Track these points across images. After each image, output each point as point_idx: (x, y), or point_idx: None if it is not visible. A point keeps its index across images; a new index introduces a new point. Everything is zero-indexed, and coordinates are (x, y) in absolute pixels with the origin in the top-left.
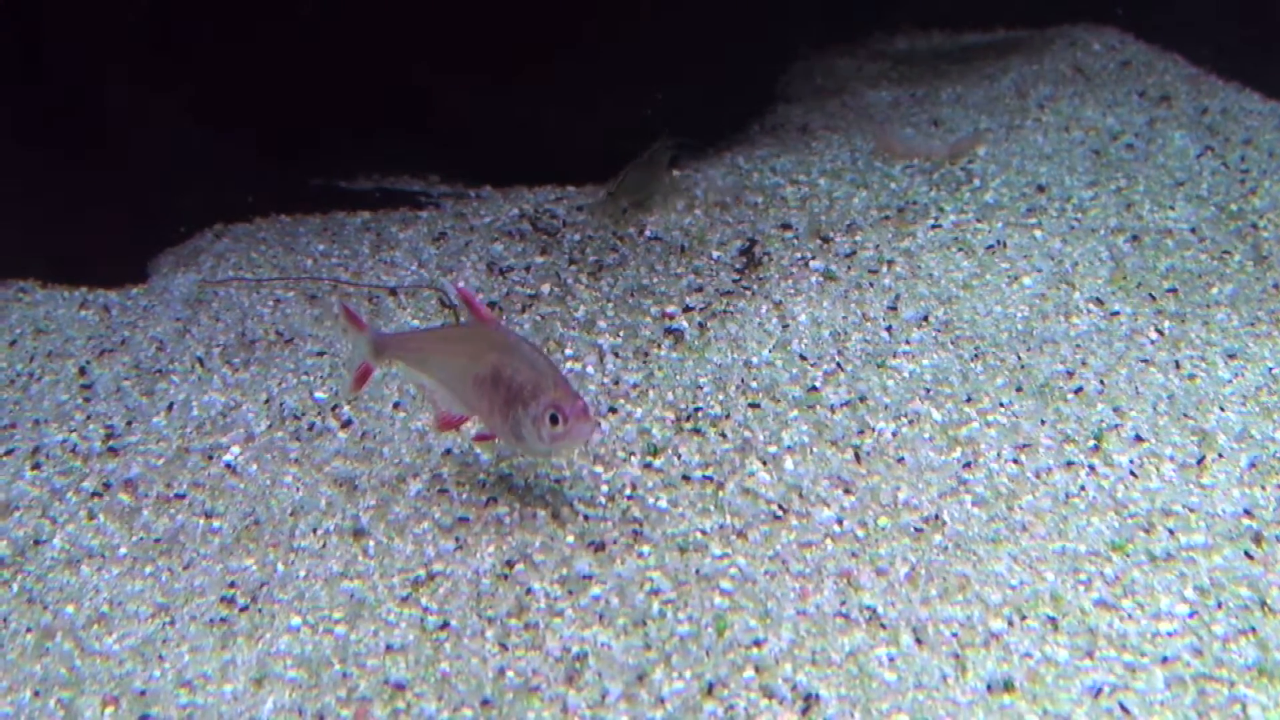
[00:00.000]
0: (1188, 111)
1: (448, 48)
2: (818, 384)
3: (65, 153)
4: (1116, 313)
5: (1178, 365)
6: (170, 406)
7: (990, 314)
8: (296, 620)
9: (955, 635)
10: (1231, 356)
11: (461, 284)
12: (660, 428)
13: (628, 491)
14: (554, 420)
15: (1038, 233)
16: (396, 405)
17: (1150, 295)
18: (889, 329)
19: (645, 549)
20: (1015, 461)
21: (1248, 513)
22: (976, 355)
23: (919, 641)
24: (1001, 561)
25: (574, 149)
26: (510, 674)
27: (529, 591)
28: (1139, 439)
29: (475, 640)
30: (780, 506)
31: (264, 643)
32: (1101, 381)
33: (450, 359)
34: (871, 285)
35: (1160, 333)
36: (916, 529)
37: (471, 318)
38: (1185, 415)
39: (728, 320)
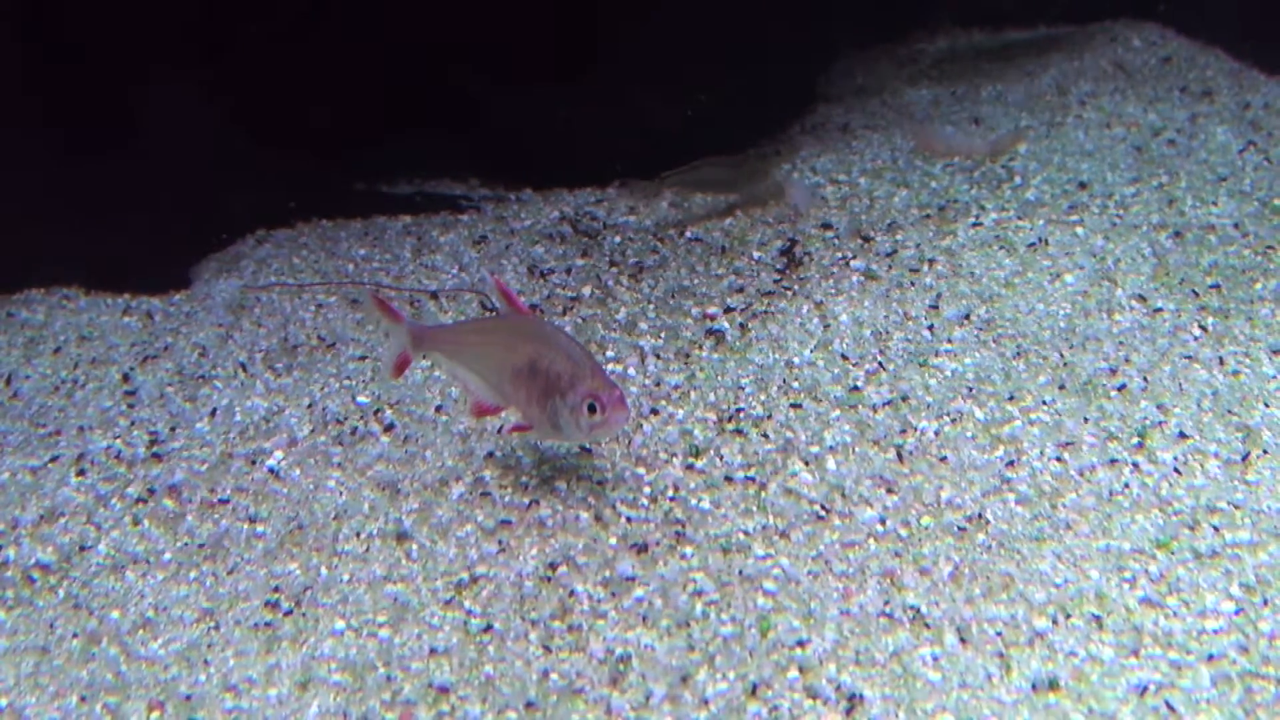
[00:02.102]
0: (1230, 107)
1: (488, 51)
2: (860, 383)
3: (107, 159)
4: (1159, 309)
5: (1221, 361)
6: (213, 412)
7: (1032, 312)
8: (340, 624)
9: (999, 634)
10: (1276, 352)
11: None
12: (702, 429)
13: (670, 493)
14: (592, 409)
15: (1080, 230)
16: (439, 409)
17: (1193, 291)
18: (930, 328)
19: (688, 550)
20: (1058, 460)
21: None
22: (1019, 353)
23: (963, 641)
24: (1045, 560)
25: (614, 151)
26: (554, 676)
27: (572, 593)
28: (1183, 436)
29: (519, 643)
30: (823, 507)
31: (308, 647)
32: (1145, 378)
33: (486, 350)
34: (913, 284)
35: (1204, 329)
36: (960, 528)
37: (507, 309)
38: (1229, 412)
39: (769, 321)
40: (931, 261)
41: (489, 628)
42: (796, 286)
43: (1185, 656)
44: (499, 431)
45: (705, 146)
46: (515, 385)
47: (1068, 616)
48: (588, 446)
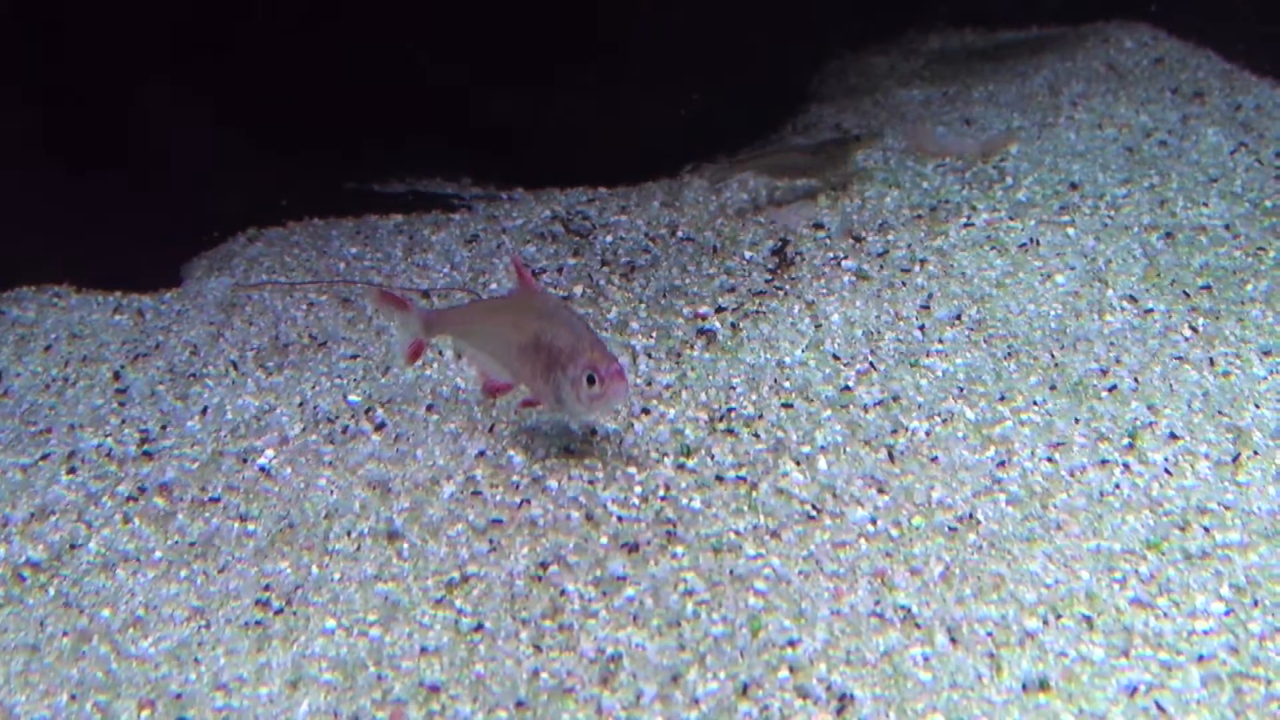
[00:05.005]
0: (1221, 108)
1: (481, 50)
2: (851, 384)
3: (98, 159)
4: (1150, 310)
5: (1212, 362)
6: (204, 410)
7: (1023, 312)
8: (331, 623)
9: (990, 634)
10: (1266, 353)
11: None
12: (693, 428)
13: (661, 492)
14: (591, 381)
15: (1071, 230)
16: (430, 408)
17: (1184, 292)
18: (922, 328)
19: (679, 550)
20: (1049, 460)
21: None
22: (1010, 354)
23: (954, 641)
24: (1036, 560)
25: (607, 150)
26: (545, 675)
27: (563, 593)
28: (1174, 437)
29: (510, 642)
30: (814, 506)
31: (299, 645)
32: (1136, 379)
33: (495, 329)
34: (904, 284)
35: (1194, 330)
36: (951, 528)
37: (518, 286)
38: (1220, 412)
39: (760, 320)
40: (923, 262)
41: (480, 627)
42: (788, 286)
43: (1175, 657)
44: (493, 433)
45: (699, 146)
46: (521, 361)
47: (1058, 617)
48: (589, 424)
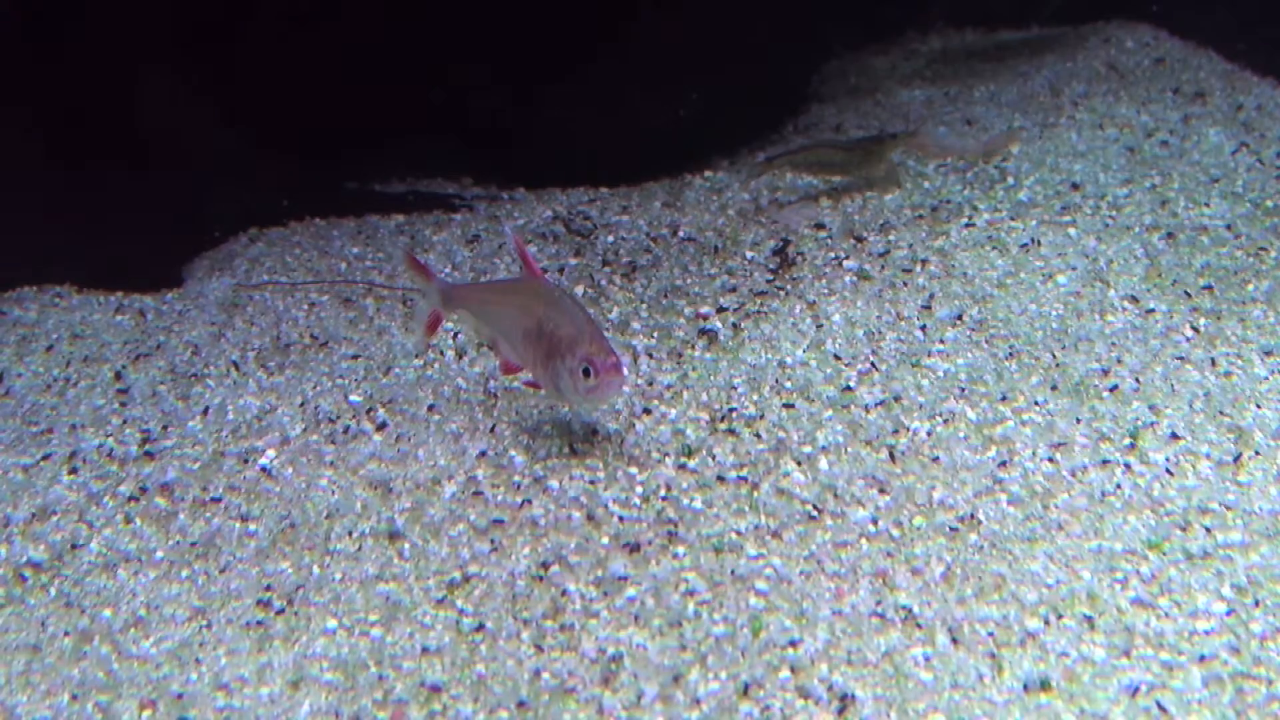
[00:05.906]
0: (1222, 108)
1: (481, 50)
2: (852, 384)
3: (100, 158)
4: (1152, 310)
5: (1214, 362)
6: (206, 410)
7: (1025, 312)
8: (333, 623)
9: (991, 635)
10: (1268, 354)
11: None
12: (695, 428)
13: (662, 493)
14: (587, 373)
15: (1072, 230)
16: (431, 408)
17: (1186, 292)
18: (923, 328)
19: (680, 550)
20: (1050, 460)
21: None
22: (1011, 354)
23: (955, 641)
24: (1037, 560)
25: (607, 150)
26: (546, 675)
27: (564, 593)
28: (1175, 437)
29: (511, 642)
30: (815, 507)
31: (300, 645)
32: (1137, 379)
33: (505, 310)
34: (905, 284)
35: (1196, 330)
36: (952, 528)
37: (523, 271)
38: (1221, 413)
39: (761, 320)
40: (924, 262)
41: (481, 627)
42: (789, 286)
43: (1177, 657)
44: (493, 433)
45: (698, 146)
46: (525, 346)
47: (1059, 617)
48: (591, 421)
